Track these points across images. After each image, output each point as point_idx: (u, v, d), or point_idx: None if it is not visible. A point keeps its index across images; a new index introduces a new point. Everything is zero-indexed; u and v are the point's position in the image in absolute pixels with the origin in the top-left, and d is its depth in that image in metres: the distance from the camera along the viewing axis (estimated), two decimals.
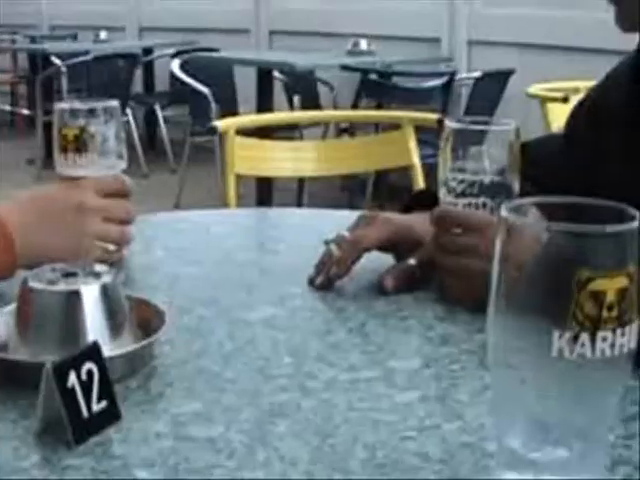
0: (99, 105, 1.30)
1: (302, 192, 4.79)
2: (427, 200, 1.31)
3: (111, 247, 1.26)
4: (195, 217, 1.69)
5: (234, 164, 2.19)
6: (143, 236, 1.49)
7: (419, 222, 1.27)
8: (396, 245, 1.27)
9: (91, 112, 1.29)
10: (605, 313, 0.63)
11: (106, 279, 0.97)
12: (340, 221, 1.29)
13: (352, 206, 4.63)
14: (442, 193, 1.22)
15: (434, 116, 2.50)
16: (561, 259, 0.64)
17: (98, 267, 0.99)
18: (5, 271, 1.14)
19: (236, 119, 2.24)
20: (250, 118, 2.42)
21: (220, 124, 2.18)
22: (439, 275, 1.22)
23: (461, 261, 1.16)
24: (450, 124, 1.20)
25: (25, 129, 9.25)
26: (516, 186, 1.20)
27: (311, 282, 1.25)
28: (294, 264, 1.31)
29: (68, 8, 10.62)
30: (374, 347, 1.05)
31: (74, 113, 1.29)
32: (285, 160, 2.36)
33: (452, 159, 1.20)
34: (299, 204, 4.80)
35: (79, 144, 1.27)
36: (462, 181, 1.20)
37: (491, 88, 5.36)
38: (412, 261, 1.25)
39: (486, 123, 1.22)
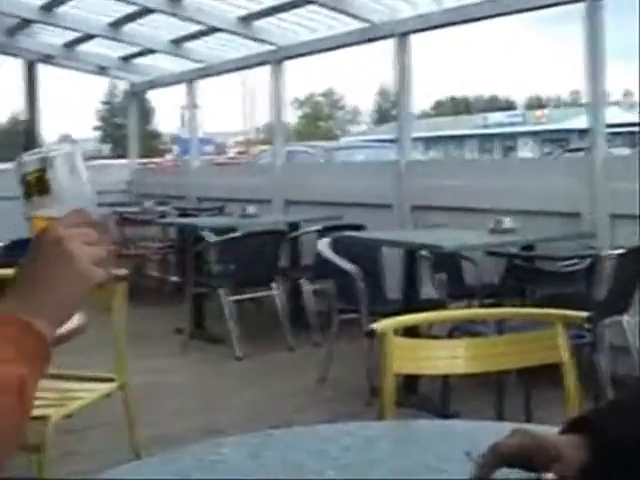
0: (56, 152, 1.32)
1: (447, 388, 4.84)
2: (580, 425, 1.36)
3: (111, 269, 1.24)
4: (358, 430, 1.76)
5: (392, 366, 2.26)
6: (312, 451, 1.57)
7: (562, 440, 1.32)
8: (533, 457, 1.30)
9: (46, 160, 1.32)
10: None
11: None
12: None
13: (499, 404, 4.63)
14: None
15: (583, 314, 2.56)
16: None
17: None
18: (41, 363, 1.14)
19: (393, 320, 2.32)
20: (405, 319, 2.50)
21: (378, 327, 2.27)
22: None
23: None
24: None
25: (173, 297, 9.44)
26: None
27: None
28: None
29: (215, 181, 11.12)
30: None
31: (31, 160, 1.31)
32: (437, 358, 2.43)
33: None
34: (444, 400, 4.84)
35: (41, 187, 1.29)
36: None
37: (635, 263, 5.35)
38: (549, 476, 1.27)
39: None
